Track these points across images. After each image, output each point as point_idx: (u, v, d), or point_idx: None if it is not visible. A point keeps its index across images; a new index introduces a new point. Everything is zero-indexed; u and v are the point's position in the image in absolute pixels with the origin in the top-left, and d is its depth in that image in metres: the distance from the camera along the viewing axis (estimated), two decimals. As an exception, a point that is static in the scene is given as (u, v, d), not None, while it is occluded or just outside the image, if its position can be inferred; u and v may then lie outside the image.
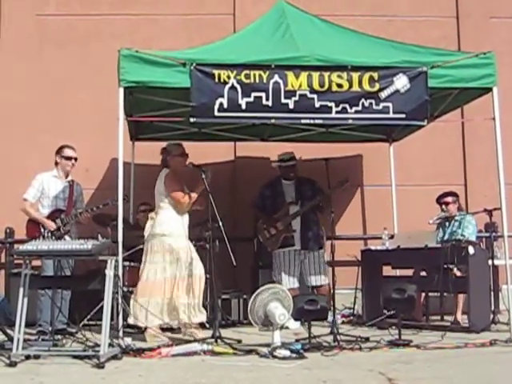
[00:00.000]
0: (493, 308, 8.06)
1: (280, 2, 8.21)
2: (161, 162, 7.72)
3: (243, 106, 7.12)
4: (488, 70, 7.46)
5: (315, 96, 7.19)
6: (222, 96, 7.08)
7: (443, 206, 8.53)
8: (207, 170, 7.41)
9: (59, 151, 7.99)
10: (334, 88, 7.21)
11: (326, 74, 7.19)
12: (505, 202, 7.36)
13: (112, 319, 6.25)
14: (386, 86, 7.27)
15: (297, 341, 6.65)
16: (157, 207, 7.55)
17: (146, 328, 7.18)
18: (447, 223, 8.54)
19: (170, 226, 7.40)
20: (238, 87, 7.10)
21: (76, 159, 8.03)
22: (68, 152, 7.98)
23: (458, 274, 7.70)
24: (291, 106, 7.18)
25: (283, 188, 8.83)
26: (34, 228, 7.71)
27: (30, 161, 9.61)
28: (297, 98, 7.17)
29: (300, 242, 8.58)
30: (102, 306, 5.94)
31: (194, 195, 7.44)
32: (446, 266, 7.55)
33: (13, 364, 5.67)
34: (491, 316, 7.79)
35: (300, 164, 8.86)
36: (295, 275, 8.56)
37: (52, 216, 7.76)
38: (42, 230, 7.66)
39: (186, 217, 7.55)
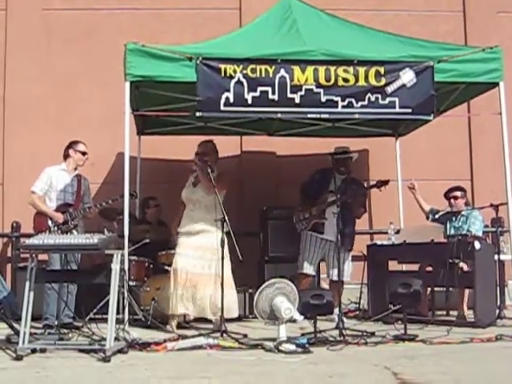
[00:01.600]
0: (499, 303, 8.04)
1: (286, -3, 8.20)
2: None
3: (249, 101, 7.14)
4: (495, 64, 7.46)
5: (321, 90, 7.21)
6: (228, 90, 7.09)
7: (452, 201, 8.52)
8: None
9: (73, 145, 7.95)
10: (340, 82, 7.23)
11: (333, 69, 7.21)
12: (511, 197, 7.35)
13: (118, 313, 6.27)
14: (392, 81, 7.28)
15: (302, 335, 6.65)
16: None
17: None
18: (453, 218, 8.52)
19: (181, 224, 7.54)
20: (244, 81, 7.11)
21: (87, 154, 8.04)
22: (83, 147, 7.96)
23: (465, 268, 7.68)
24: (297, 101, 7.19)
25: (331, 178, 8.68)
26: (42, 221, 7.70)
27: (36, 155, 9.64)
28: (303, 92, 7.19)
29: (332, 235, 8.33)
30: (108, 300, 5.95)
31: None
32: (451, 261, 7.54)
33: (19, 358, 5.68)
34: (497, 311, 7.77)
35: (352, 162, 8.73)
36: (314, 263, 8.51)
37: (60, 209, 7.76)
38: (50, 222, 7.66)
39: (197, 215, 7.49)
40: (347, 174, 8.66)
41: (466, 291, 7.97)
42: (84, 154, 7.95)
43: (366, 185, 8.45)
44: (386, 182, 8.35)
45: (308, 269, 8.45)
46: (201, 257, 7.37)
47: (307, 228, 8.51)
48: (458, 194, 8.53)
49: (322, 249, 8.51)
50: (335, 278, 8.28)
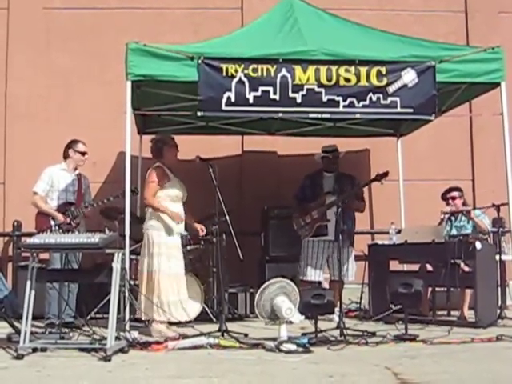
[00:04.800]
0: (499, 303, 8.04)
1: (288, -4, 8.20)
2: (154, 152, 7.48)
3: (251, 100, 7.14)
4: (496, 64, 7.46)
5: (323, 90, 7.21)
6: (230, 90, 7.09)
7: (450, 201, 8.51)
8: (214, 164, 7.38)
9: (72, 145, 7.97)
10: (342, 82, 7.22)
11: (334, 68, 7.20)
12: (512, 197, 7.36)
13: (119, 312, 6.27)
14: (393, 81, 7.28)
15: (303, 335, 6.65)
16: None
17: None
18: (453, 218, 8.51)
19: (157, 220, 7.22)
20: (246, 81, 7.11)
21: (87, 154, 8.04)
22: (82, 147, 7.97)
23: (466, 269, 7.68)
24: (299, 100, 7.19)
25: (323, 180, 8.73)
26: (44, 221, 7.72)
27: (37, 154, 9.62)
28: (304, 92, 7.18)
29: (334, 234, 8.42)
30: (109, 300, 5.95)
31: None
32: (453, 261, 7.54)
33: (20, 357, 5.68)
34: (498, 311, 7.77)
35: (342, 157, 8.83)
36: (321, 269, 8.53)
37: (62, 208, 7.78)
38: (52, 222, 7.67)
39: (180, 208, 7.36)
40: (336, 171, 8.71)
41: (467, 291, 7.95)
42: (84, 154, 7.96)
43: (363, 180, 8.45)
44: (385, 174, 8.34)
45: (313, 275, 8.45)
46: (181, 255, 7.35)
47: (311, 233, 8.53)
48: (456, 194, 8.52)
49: (326, 251, 8.51)
50: (337, 278, 8.31)
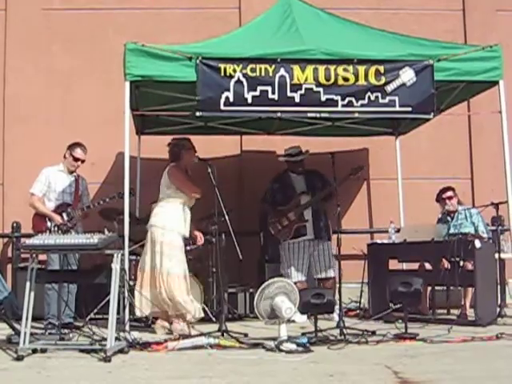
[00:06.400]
0: (499, 302, 8.04)
1: (286, -4, 8.20)
2: (172, 156, 7.61)
3: (249, 100, 7.14)
4: (494, 62, 7.46)
5: (321, 89, 7.21)
6: (228, 90, 7.09)
7: (447, 201, 8.52)
8: (212, 164, 7.38)
9: (71, 148, 7.96)
10: (340, 81, 7.22)
11: (332, 68, 7.20)
12: (511, 196, 7.35)
13: (118, 313, 6.26)
14: (392, 80, 7.28)
15: (303, 334, 6.65)
16: (158, 199, 7.48)
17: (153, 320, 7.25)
18: (449, 218, 8.52)
19: (163, 218, 7.28)
20: (244, 81, 7.11)
21: (83, 161, 8.01)
22: (78, 153, 7.93)
23: (469, 266, 7.66)
24: (297, 100, 7.19)
25: (292, 180, 8.78)
26: (41, 222, 7.72)
27: (36, 155, 9.61)
28: (303, 91, 7.18)
29: (313, 232, 8.55)
30: (109, 300, 5.95)
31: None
32: (452, 260, 7.54)
33: (20, 358, 5.68)
34: (498, 309, 7.77)
35: (307, 158, 8.84)
36: (303, 268, 8.54)
37: (58, 210, 7.78)
38: (49, 223, 7.67)
39: (188, 213, 7.44)
40: (303, 172, 8.78)
41: (469, 289, 7.95)
42: (77, 160, 7.93)
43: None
44: (360, 168, 8.42)
45: (297, 276, 8.47)
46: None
47: (290, 235, 8.57)
48: (451, 193, 8.54)
49: (307, 251, 8.55)
50: (324, 275, 8.39)
